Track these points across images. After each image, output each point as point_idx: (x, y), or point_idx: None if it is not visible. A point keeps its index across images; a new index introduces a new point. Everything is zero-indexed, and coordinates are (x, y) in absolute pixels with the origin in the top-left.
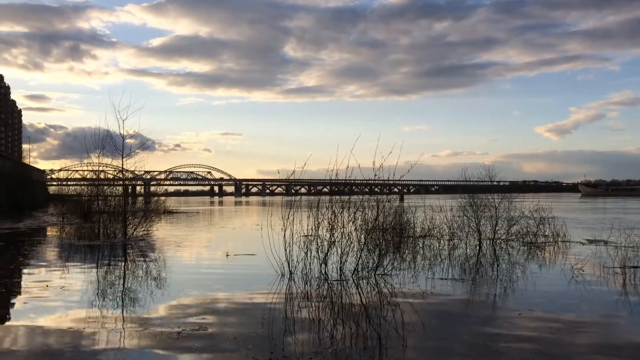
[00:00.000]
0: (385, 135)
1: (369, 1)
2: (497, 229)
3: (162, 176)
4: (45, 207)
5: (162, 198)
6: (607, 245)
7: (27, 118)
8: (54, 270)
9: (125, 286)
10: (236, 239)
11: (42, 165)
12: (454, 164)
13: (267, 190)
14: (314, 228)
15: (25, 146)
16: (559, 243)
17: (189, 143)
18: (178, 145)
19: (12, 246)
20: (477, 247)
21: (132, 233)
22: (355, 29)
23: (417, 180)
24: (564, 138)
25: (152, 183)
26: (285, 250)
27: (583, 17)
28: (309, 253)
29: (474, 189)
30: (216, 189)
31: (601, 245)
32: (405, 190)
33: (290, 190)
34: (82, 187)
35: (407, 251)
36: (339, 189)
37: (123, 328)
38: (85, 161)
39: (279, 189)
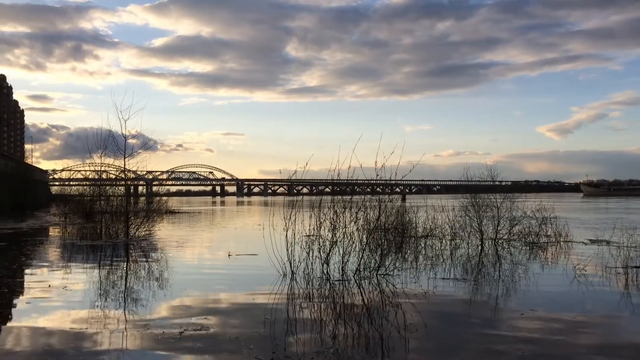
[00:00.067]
0: (387, 135)
1: (371, 1)
2: (499, 229)
3: (164, 176)
4: (47, 207)
5: (164, 198)
6: (610, 245)
7: (30, 118)
8: (56, 270)
9: (127, 286)
10: (238, 239)
11: (45, 165)
12: (456, 164)
13: (269, 190)
14: (316, 228)
15: (27, 146)
16: (561, 243)
17: (191, 143)
18: (180, 146)
19: (14, 246)
20: (479, 247)
21: (135, 233)
22: (357, 29)
23: (419, 180)
24: (566, 138)
25: (154, 183)
26: (287, 250)
27: (586, 16)
28: (311, 253)
29: (476, 189)
30: (218, 189)
31: (603, 245)
32: (407, 190)
33: (292, 190)
34: (85, 187)
35: (409, 251)
36: (340, 188)
37: (125, 328)
38: (88, 161)
39: (281, 189)
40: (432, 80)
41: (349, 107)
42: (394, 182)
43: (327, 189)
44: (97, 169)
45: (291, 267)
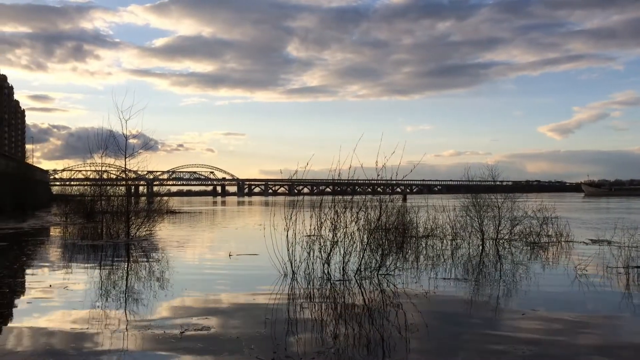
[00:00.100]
0: (387, 135)
1: (371, 1)
2: (500, 229)
3: (165, 176)
4: (48, 207)
5: (165, 198)
6: (611, 245)
7: (31, 118)
8: (57, 270)
9: (128, 286)
10: (239, 239)
11: (45, 165)
12: (456, 164)
13: (270, 190)
14: (316, 228)
15: (28, 146)
16: (562, 243)
17: (191, 143)
18: (181, 145)
19: (15, 246)
20: (480, 247)
21: (135, 233)
22: (358, 29)
23: (420, 180)
24: (567, 138)
25: (155, 183)
26: (288, 250)
27: (587, 16)
28: (311, 253)
29: (477, 189)
30: (219, 189)
31: (604, 245)
32: (408, 190)
33: (293, 190)
34: (85, 187)
35: (409, 251)
36: (341, 188)
37: (126, 328)
38: (89, 161)
39: (282, 188)
40: (433, 80)
41: (350, 107)
42: (394, 182)
43: (328, 189)
44: (98, 169)
45: (292, 267)
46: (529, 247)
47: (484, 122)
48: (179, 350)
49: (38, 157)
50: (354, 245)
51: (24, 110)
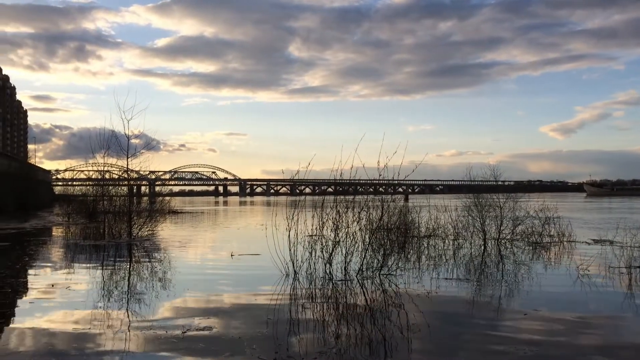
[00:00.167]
0: (389, 135)
1: (373, 1)
2: (502, 228)
3: (167, 176)
4: (50, 207)
5: (167, 198)
6: (613, 245)
7: (33, 118)
8: (59, 270)
9: (130, 286)
10: (241, 239)
11: (48, 165)
12: (458, 164)
13: (272, 190)
14: (318, 228)
15: (30, 146)
16: (565, 243)
17: (193, 143)
18: (183, 146)
19: (18, 246)
20: (482, 247)
21: (137, 233)
22: (359, 29)
23: (422, 180)
24: (569, 137)
25: (157, 183)
26: (290, 250)
27: (588, 16)
28: (313, 253)
29: (479, 189)
30: (221, 189)
31: (607, 245)
32: (409, 190)
33: (295, 190)
34: (88, 187)
35: (411, 251)
36: (343, 188)
37: (128, 328)
38: (91, 161)
39: (284, 188)
40: (434, 80)
41: (352, 107)
42: (396, 182)
43: (330, 189)
44: (100, 169)
45: (294, 267)
46: (531, 247)
47: (486, 122)
48: (180, 350)
49: (40, 157)
50: (356, 245)
51: (26, 110)
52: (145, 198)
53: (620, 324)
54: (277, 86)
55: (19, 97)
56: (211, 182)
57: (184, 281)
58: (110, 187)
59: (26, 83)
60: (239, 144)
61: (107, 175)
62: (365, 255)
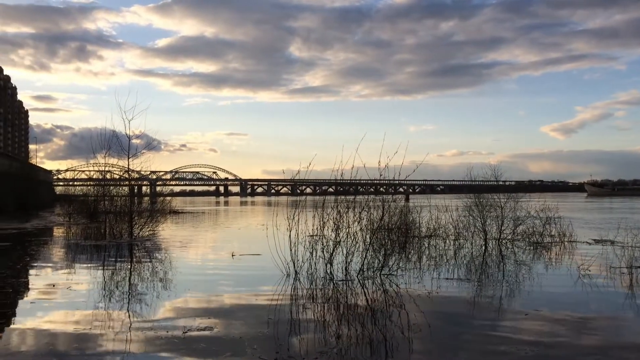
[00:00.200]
0: (390, 135)
1: (374, 1)
2: (503, 228)
3: (168, 176)
4: (51, 207)
5: (168, 198)
6: (614, 245)
7: (34, 119)
8: (60, 270)
9: (131, 286)
10: (242, 239)
11: (49, 165)
12: (459, 164)
13: (273, 190)
14: (319, 228)
15: (31, 146)
16: (565, 243)
17: (194, 143)
18: (184, 146)
19: (19, 246)
20: (483, 247)
21: (138, 233)
22: (360, 29)
23: (423, 180)
24: (570, 137)
25: (158, 183)
26: (291, 250)
27: (589, 16)
28: (314, 253)
29: (480, 189)
30: (222, 189)
31: (608, 245)
32: (410, 190)
33: (296, 190)
34: (89, 187)
35: (412, 251)
36: (344, 188)
37: (129, 329)
38: (92, 161)
39: (285, 189)
40: (436, 80)
41: (353, 107)
42: (397, 182)
43: (331, 189)
44: (101, 169)
45: (294, 267)
46: (531, 247)
47: (487, 122)
48: (181, 350)
49: (41, 158)
50: (357, 245)
51: (27, 110)
52: (146, 198)
53: (621, 324)
54: (277, 86)
55: (20, 97)
56: (212, 182)
57: (185, 281)
58: (112, 187)
59: (27, 83)
60: (239, 144)
61: (108, 176)
62: (366, 256)
